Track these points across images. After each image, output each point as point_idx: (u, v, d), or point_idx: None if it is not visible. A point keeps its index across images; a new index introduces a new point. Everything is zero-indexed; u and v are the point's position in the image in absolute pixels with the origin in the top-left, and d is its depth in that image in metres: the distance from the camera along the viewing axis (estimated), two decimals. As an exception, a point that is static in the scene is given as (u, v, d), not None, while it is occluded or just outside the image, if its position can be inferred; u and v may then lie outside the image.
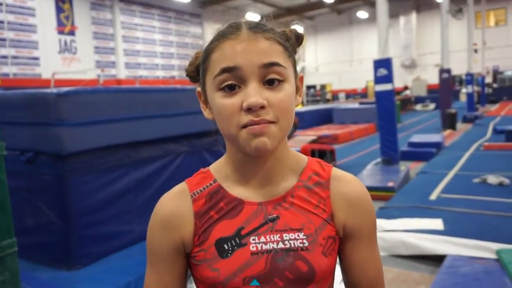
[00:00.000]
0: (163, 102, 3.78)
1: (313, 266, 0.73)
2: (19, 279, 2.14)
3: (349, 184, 0.81)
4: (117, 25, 19.86)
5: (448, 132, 11.99)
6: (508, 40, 26.20)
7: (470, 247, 3.31)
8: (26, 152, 3.17)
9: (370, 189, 5.65)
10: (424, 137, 9.55)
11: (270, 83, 0.70)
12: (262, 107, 0.68)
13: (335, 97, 31.71)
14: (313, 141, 8.47)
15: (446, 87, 13.41)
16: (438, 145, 8.67)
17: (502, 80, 26.58)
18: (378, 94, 7.29)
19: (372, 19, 25.65)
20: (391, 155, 7.14)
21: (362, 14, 28.77)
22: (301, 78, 0.80)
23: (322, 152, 7.82)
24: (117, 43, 19.90)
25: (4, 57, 15.45)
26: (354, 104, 18.68)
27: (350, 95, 31.23)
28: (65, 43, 17.60)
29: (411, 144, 8.82)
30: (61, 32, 17.40)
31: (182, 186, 0.80)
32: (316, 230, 0.75)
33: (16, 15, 15.77)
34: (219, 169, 0.81)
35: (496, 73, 26.54)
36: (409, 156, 8.07)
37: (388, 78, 7.12)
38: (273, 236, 0.73)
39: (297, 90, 0.78)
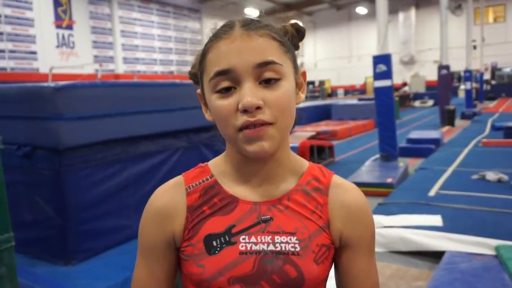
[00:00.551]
0: (161, 97, 3.75)
1: (302, 272, 0.70)
2: (16, 274, 2.12)
3: (349, 193, 0.78)
4: (115, 20, 19.78)
5: (446, 128, 12.00)
6: (507, 36, 26.20)
7: (469, 243, 3.30)
8: (23, 146, 3.14)
9: (368, 185, 5.72)
10: (423, 133, 9.55)
11: (266, 82, 0.67)
12: (258, 108, 0.66)
13: (333, 93, 31.69)
14: (312, 137, 8.46)
15: (445, 84, 13.40)
16: (436, 142, 8.67)
17: (500, 76, 26.61)
18: (377, 90, 7.27)
19: (371, 15, 25.61)
20: (389, 151, 7.14)
21: (361, 10, 28.72)
22: (304, 73, 0.77)
23: (320, 148, 7.81)
24: (115, 37, 19.82)
25: (1, 51, 15.38)
26: (352, 100, 18.67)
27: (349, 91, 31.22)
28: (63, 37, 17.52)
29: (410, 141, 8.82)
30: (59, 26, 17.32)
31: (178, 179, 0.79)
32: (310, 236, 0.73)
33: (13, 9, 15.68)
34: (217, 165, 0.79)
35: (494, 69, 26.56)
36: (407, 152, 8.07)
37: (387, 74, 7.10)
38: (264, 237, 0.71)
39: (300, 86, 0.76)
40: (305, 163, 0.80)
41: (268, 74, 0.67)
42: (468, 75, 16.47)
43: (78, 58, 17.88)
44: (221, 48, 0.68)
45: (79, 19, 18.17)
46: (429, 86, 26.87)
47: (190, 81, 0.83)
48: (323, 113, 15.38)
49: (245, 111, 0.66)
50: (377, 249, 3.67)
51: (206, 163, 0.81)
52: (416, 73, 28.96)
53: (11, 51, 15.70)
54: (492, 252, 3.16)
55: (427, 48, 28.25)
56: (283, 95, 0.68)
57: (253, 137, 0.67)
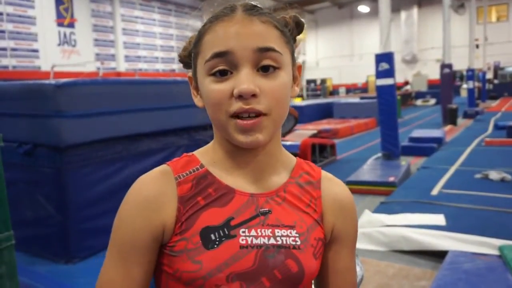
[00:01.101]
0: (162, 94, 3.73)
1: (303, 267, 0.68)
2: (16, 273, 2.11)
3: (340, 187, 0.79)
4: (117, 18, 19.76)
5: (449, 127, 11.96)
6: (510, 36, 26.10)
7: (472, 243, 3.28)
8: (24, 144, 3.13)
9: (370, 183, 5.71)
10: (425, 132, 9.52)
11: (264, 70, 0.65)
12: (254, 95, 0.63)
13: (335, 91, 31.64)
14: (314, 136, 8.44)
15: (447, 82, 13.36)
16: (439, 140, 8.63)
17: (503, 76, 26.50)
18: (380, 89, 7.24)
19: (373, 13, 25.54)
20: (391, 150, 7.11)
21: (363, 8, 28.63)
22: (299, 67, 0.75)
23: (322, 146, 7.79)
24: (117, 35, 19.80)
25: (3, 49, 15.36)
26: (354, 99, 18.62)
27: (351, 89, 31.15)
28: (65, 35, 17.51)
29: (412, 139, 8.78)
30: (60, 24, 17.30)
31: (164, 168, 0.72)
32: (307, 229, 0.71)
33: (15, 7, 15.66)
34: (205, 155, 0.75)
35: (497, 69, 26.46)
36: (410, 151, 8.04)
37: (390, 73, 7.07)
38: (265, 231, 0.68)
39: (295, 79, 0.73)
40: (293, 158, 0.79)
41: (267, 62, 0.65)
42: (471, 74, 16.41)
43: (80, 56, 17.86)
44: (220, 30, 0.66)
45: (81, 17, 18.15)
46: (431, 85, 26.80)
47: None
48: (325, 112, 15.35)
49: (240, 97, 0.63)
50: (379, 248, 3.65)
51: (191, 152, 0.76)
52: (418, 72, 28.87)
53: (13, 49, 15.68)
54: (496, 252, 3.14)
55: (430, 47, 28.16)
56: (280, 86, 0.66)
57: (247, 128, 0.64)
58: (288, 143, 7.54)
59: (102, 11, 19.25)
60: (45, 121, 3.03)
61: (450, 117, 12.53)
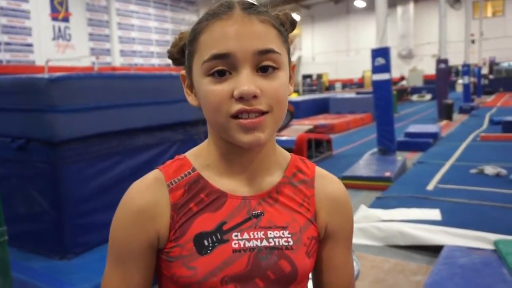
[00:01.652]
0: (158, 89, 3.70)
1: (296, 267, 0.69)
2: (9, 269, 2.09)
3: (334, 184, 0.78)
4: (112, 12, 19.62)
5: (444, 122, 12.00)
6: (505, 31, 26.16)
7: (468, 237, 3.29)
8: (18, 139, 3.09)
9: (366, 179, 5.72)
10: (421, 127, 9.55)
11: (263, 70, 0.64)
12: (255, 96, 0.62)
13: (331, 86, 31.64)
14: (310, 131, 8.44)
15: (443, 78, 13.38)
16: (434, 136, 8.66)
17: (498, 71, 26.59)
18: (376, 84, 7.24)
19: (370, 8, 25.51)
20: (387, 145, 7.12)
21: (360, 3, 28.58)
22: (293, 67, 0.75)
23: (318, 141, 7.78)
24: (112, 30, 19.67)
25: (-3, 43, 15.24)
26: (350, 94, 18.65)
27: (347, 84, 31.16)
28: (59, 29, 17.38)
29: (408, 134, 8.80)
30: (55, 18, 17.16)
31: (156, 174, 0.72)
32: (300, 229, 0.71)
33: (9, 1, 15.53)
34: (198, 157, 0.74)
35: (492, 64, 26.53)
36: (405, 146, 8.05)
37: (386, 68, 7.07)
38: (257, 233, 0.68)
39: (289, 78, 0.73)
40: (287, 155, 0.78)
41: (267, 63, 0.64)
42: (466, 70, 16.45)
43: (75, 50, 17.74)
44: (219, 30, 0.64)
45: (76, 11, 18.01)
46: (427, 80, 26.84)
47: None
48: (321, 107, 15.35)
49: (241, 98, 0.62)
50: (375, 243, 3.66)
51: (183, 154, 0.75)
52: (414, 67, 28.91)
53: (7, 44, 15.55)
54: (491, 247, 3.15)
55: (426, 42, 28.19)
56: (280, 86, 0.66)
57: (250, 127, 0.63)
58: (284, 138, 7.53)
59: (97, 5, 19.12)
60: (38, 115, 2.99)
61: (445, 112, 12.56)
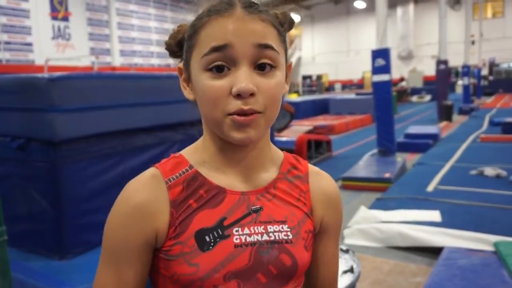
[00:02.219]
0: (158, 89, 3.70)
1: (296, 260, 0.70)
2: (9, 269, 2.08)
3: (327, 180, 0.81)
4: (112, 12, 19.59)
5: (444, 123, 12.00)
6: (505, 32, 26.17)
7: (468, 239, 3.29)
8: (17, 138, 3.09)
9: (366, 180, 5.72)
10: (421, 128, 9.54)
11: (261, 68, 0.65)
12: (252, 94, 0.63)
13: (331, 87, 31.63)
14: (309, 132, 8.44)
15: (443, 79, 13.38)
16: (434, 137, 8.66)
17: (498, 72, 26.59)
18: (376, 85, 7.24)
19: (370, 9, 25.52)
20: (387, 146, 7.11)
21: (360, 4, 28.58)
22: (290, 66, 0.76)
23: (318, 142, 7.78)
24: (112, 30, 19.64)
25: (-3, 42, 15.22)
26: (350, 95, 18.64)
27: (347, 85, 31.16)
28: (59, 29, 17.35)
29: (408, 135, 8.80)
30: (54, 17, 17.14)
31: (153, 171, 0.72)
32: (298, 223, 0.73)
33: (9, 0, 15.49)
34: (193, 154, 0.74)
35: (492, 65, 26.53)
36: (405, 147, 8.05)
37: (386, 69, 7.07)
38: (257, 228, 0.69)
39: (286, 76, 0.74)
40: (280, 153, 0.80)
41: (265, 60, 0.65)
42: (466, 71, 16.44)
43: (74, 50, 17.71)
44: (219, 25, 0.65)
45: (75, 11, 17.98)
46: (427, 81, 26.84)
47: None
48: (321, 108, 15.34)
49: (239, 95, 0.63)
50: (375, 244, 3.65)
51: (179, 153, 0.76)
52: (414, 68, 28.91)
53: (6, 43, 15.52)
54: (491, 248, 3.15)
55: (425, 43, 28.19)
56: (276, 85, 0.66)
57: (243, 124, 0.64)
58: (284, 139, 7.53)
59: (97, 4, 19.09)
60: (38, 115, 2.99)
61: (445, 114, 12.57)
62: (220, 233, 0.67)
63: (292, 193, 0.75)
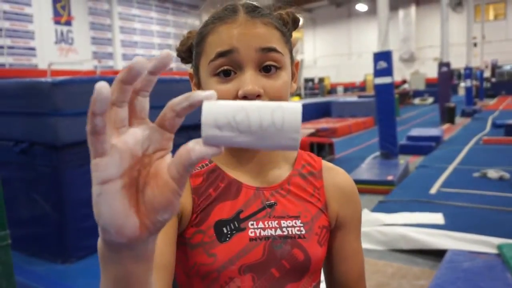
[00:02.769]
0: (160, 93, 3.71)
1: (309, 255, 0.71)
2: (12, 273, 2.09)
3: (341, 175, 0.82)
4: (115, 16, 19.69)
5: (446, 126, 11.97)
6: (507, 34, 26.14)
7: (471, 241, 3.27)
8: (21, 142, 3.10)
9: (369, 182, 5.68)
10: (423, 130, 9.52)
11: (266, 70, 0.68)
12: (258, 96, 0.65)
13: (333, 90, 31.62)
14: (312, 134, 8.43)
15: (445, 81, 13.36)
16: (437, 139, 8.64)
17: (501, 74, 26.55)
18: (378, 87, 7.23)
19: (371, 12, 25.53)
20: (390, 148, 7.10)
21: (361, 6, 28.61)
22: (297, 64, 0.78)
23: (320, 145, 7.78)
24: (114, 34, 19.74)
25: (0, 47, 15.29)
26: (352, 98, 18.62)
27: (349, 88, 31.15)
28: (62, 33, 17.44)
29: (410, 138, 8.78)
30: (57, 22, 17.23)
31: None
32: (312, 218, 0.74)
33: (12, 5, 15.59)
34: None
35: (494, 67, 26.49)
36: (408, 150, 8.03)
37: (388, 71, 7.06)
38: (271, 223, 0.71)
39: (292, 76, 0.76)
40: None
41: (270, 62, 0.67)
42: (468, 73, 16.42)
43: (77, 54, 17.79)
44: (224, 32, 0.67)
45: (78, 15, 18.08)
46: (429, 83, 26.81)
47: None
48: (323, 110, 15.33)
49: (245, 98, 0.65)
50: (378, 247, 3.64)
51: None
52: (416, 70, 28.89)
53: (10, 47, 15.60)
54: (495, 251, 3.13)
55: (427, 45, 28.19)
56: (282, 86, 0.68)
57: None
58: (286, 141, 7.50)
59: (99, 9, 19.19)
60: (41, 119, 3.00)
61: (448, 116, 12.54)
62: (237, 225, 0.69)
63: (306, 189, 0.76)
